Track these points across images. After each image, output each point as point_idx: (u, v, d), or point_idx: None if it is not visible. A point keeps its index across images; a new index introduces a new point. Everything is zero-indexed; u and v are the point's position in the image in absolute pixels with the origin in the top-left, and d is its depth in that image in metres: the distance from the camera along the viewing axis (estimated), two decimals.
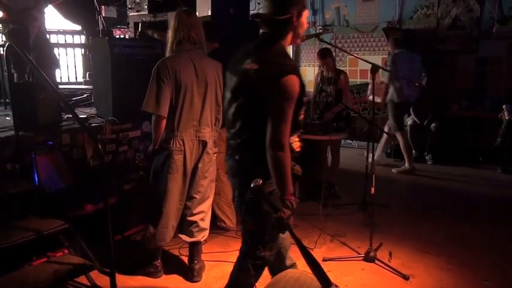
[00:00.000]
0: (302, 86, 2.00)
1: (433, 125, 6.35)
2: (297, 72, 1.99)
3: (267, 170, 1.99)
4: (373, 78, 3.52)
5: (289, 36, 2.12)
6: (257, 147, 2.00)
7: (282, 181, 1.98)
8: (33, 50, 4.38)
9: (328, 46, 4.90)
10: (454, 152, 6.34)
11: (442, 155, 6.36)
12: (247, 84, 2.04)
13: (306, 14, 2.12)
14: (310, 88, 8.11)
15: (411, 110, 6.63)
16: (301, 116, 2.11)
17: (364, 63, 3.81)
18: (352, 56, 7.09)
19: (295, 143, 2.14)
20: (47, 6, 4.73)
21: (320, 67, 5.06)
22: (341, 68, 5.67)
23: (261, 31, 2.21)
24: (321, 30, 8.08)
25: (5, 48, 4.35)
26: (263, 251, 2.22)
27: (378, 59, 7.35)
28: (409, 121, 6.69)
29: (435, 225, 4.10)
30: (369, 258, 3.34)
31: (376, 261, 3.32)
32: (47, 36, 4.93)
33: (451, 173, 5.96)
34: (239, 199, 2.21)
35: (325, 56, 4.84)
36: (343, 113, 4.90)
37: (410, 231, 3.96)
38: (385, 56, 7.27)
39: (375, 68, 3.46)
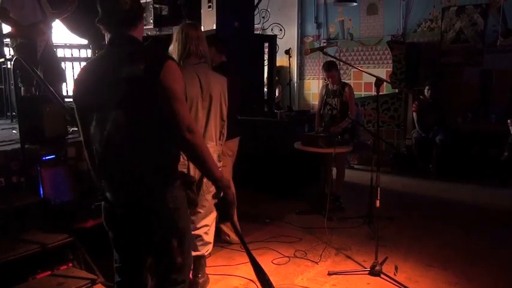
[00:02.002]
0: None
1: (438, 137, 6.33)
2: (172, 59, 1.86)
3: (164, 177, 1.85)
4: (378, 91, 3.52)
5: (141, 30, 1.96)
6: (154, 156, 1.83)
7: (208, 166, 1.82)
8: (40, 64, 4.43)
9: (333, 59, 4.92)
10: (460, 165, 6.30)
11: (447, 168, 6.33)
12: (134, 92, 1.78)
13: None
14: (314, 101, 8.21)
15: (416, 123, 6.65)
16: None
17: (369, 76, 3.83)
18: (356, 69, 7.12)
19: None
20: (55, 20, 4.79)
21: (325, 80, 5.08)
22: (346, 81, 5.69)
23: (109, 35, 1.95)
24: (325, 44, 8.13)
25: (12, 62, 4.42)
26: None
27: (382, 72, 7.38)
28: (414, 134, 6.68)
29: (441, 239, 4.06)
30: (374, 272, 3.30)
31: (382, 275, 3.28)
32: (54, 50, 4.98)
33: (456, 186, 5.92)
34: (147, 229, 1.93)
35: (330, 68, 4.86)
36: (348, 126, 4.91)
37: (416, 244, 3.92)
38: (389, 69, 7.30)
39: (379, 82, 3.47)
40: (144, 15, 5.31)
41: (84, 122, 1.90)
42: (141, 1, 5.63)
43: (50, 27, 4.64)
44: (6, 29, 4.69)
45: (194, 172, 2.98)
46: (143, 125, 1.80)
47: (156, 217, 1.87)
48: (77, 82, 1.97)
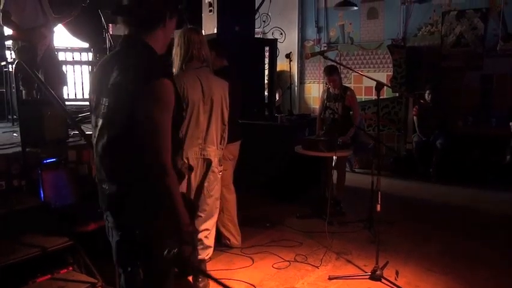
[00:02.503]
0: (178, 95, 1.68)
1: (438, 141, 6.33)
2: (170, 77, 1.64)
3: (142, 203, 1.64)
4: (378, 95, 3.52)
5: (160, 37, 1.73)
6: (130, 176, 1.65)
7: (173, 212, 1.59)
8: (41, 67, 4.44)
9: (333, 63, 4.92)
10: (460, 168, 6.30)
11: (448, 171, 6.33)
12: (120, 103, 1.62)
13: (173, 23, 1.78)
14: (315, 105, 8.22)
15: (416, 127, 6.65)
16: (182, 132, 1.86)
17: (369, 80, 3.82)
18: (356, 73, 7.12)
19: (182, 166, 1.79)
20: (57, 25, 4.80)
21: (326, 84, 5.08)
22: (346, 85, 5.69)
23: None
24: (325, 48, 8.14)
25: (14, 66, 4.42)
26: None
27: (382, 76, 7.39)
28: (414, 138, 6.68)
29: (442, 244, 4.05)
30: (375, 276, 3.29)
31: (383, 280, 3.27)
32: (56, 53, 4.99)
33: (457, 191, 5.91)
34: (118, 247, 1.76)
35: (331, 73, 4.86)
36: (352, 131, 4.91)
37: (417, 249, 3.91)
38: (390, 73, 7.30)
39: (379, 85, 3.47)
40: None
41: (91, 121, 1.80)
42: None
43: (52, 31, 4.65)
44: (7, 32, 4.70)
45: (195, 177, 2.99)
46: (121, 142, 1.62)
47: (129, 242, 1.70)
48: (90, 78, 1.92)
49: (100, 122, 1.68)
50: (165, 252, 1.56)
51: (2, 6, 4.26)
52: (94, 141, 1.74)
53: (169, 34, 1.79)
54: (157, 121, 1.56)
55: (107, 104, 1.65)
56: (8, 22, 4.33)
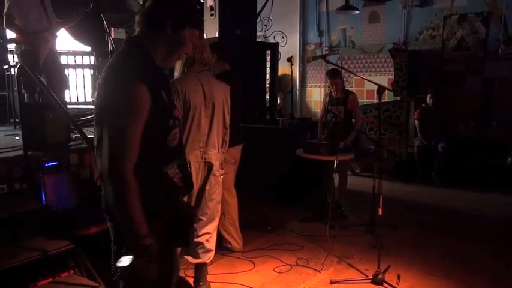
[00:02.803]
0: (158, 99, 1.56)
1: (440, 145, 6.32)
2: (144, 80, 1.52)
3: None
4: (380, 99, 3.52)
5: (162, 45, 1.66)
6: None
7: (126, 222, 1.50)
8: (43, 71, 4.46)
9: (335, 67, 4.93)
10: (462, 172, 6.29)
11: (450, 175, 6.31)
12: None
13: (193, 34, 1.72)
14: (316, 108, 8.22)
15: (418, 130, 6.64)
16: (174, 141, 1.68)
17: (370, 84, 3.83)
18: (358, 77, 7.13)
19: (176, 176, 1.68)
20: (59, 29, 4.83)
21: (329, 87, 5.08)
22: (348, 89, 5.68)
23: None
24: (327, 52, 8.15)
25: (16, 69, 4.44)
26: None
27: (383, 80, 7.39)
28: (416, 141, 6.67)
29: (444, 248, 4.04)
30: (376, 280, 3.28)
31: (384, 284, 3.26)
32: (58, 57, 5.01)
33: (459, 194, 5.90)
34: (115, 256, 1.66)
35: (334, 76, 4.86)
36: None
37: (418, 253, 3.90)
38: (391, 77, 7.30)
39: (381, 89, 3.47)
40: None
41: None
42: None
43: (55, 36, 4.67)
44: (10, 35, 4.72)
45: (196, 180, 2.98)
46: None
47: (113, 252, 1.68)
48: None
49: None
50: (117, 264, 1.48)
51: (6, 10, 4.29)
52: None
53: (176, 45, 1.69)
54: (117, 126, 1.49)
55: (96, 103, 1.61)
56: (11, 25, 4.35)
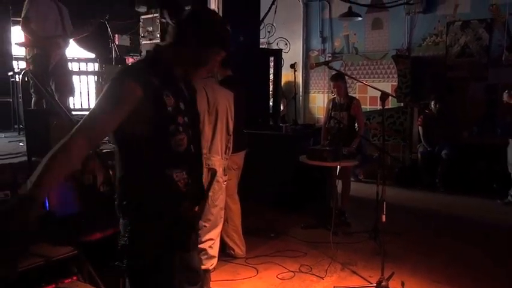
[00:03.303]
0: (156, 104, 1.60)
1: (443, 152, 6.31)
2: (139, 80, 1.57)
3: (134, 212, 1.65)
4: (383, 105, 3.52)
5: (185, 62, 1.71)
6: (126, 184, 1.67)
7: (39, 171, 1.42)
8: (52, 76, 4.53)
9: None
10: (466, 179, 6.26)
11: (454, 182, 6.29)
12: None
13: (219, 54, 1.75)
14: (319, 114, 8.22)
15: (422, 137, 6.63)
16: (181, 147, 1.68)
17: (374, 90, 3.83)
18: (361, 83, 7.13)
19: (181, 180, 1.68)
20: (73, 37, 4.96)
21: (332, 92, 5.08)
22: (352, 95, 5.68)
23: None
24: (330, 58, 8.17)
25: (21, 75, 4.48)
26: None
27: (387, 86, 7.38)
28: (419, 148, 6.66)
29: (448, 255, 4.02)
30: (380, 287, 3.27)
31: None
32: (68, 64, 5.10)
33: (462, 200, 5.87)
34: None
35: (337, 78, 4.85)
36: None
37: (422, 260, 3.88)
38: (394, 83, 7.30)
39: (384, 96, 3.47)
40: (151, 29, 5.39)
41: None
42: (148, 16, 5.68)
43: (67, 43, 4.78)
44: (20, 39, 4.81)
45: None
46: (115, 144, 1.68)
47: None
48: None
49: None
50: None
51: (24, 13, 4.40)
52: None
53: (199, 62, 1.74)
54: (97, 107, 1.57)
55: None
56: (27, 28, 4.45)
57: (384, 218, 3.36)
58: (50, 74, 4.52)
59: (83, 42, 6.61)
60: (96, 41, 6.27)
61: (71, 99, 5.40)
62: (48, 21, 4.50)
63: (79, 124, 1.52)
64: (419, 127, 6.71)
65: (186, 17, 1.69)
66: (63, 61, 4.77)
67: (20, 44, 4.92)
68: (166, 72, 1.68)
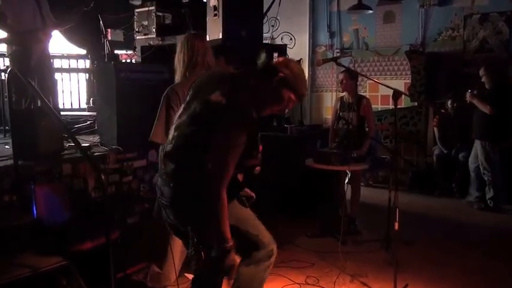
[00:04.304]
0: (251, 138, 2.08)
1: (461, 154, 6.29)
2: (250, 127, 2.04)
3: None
4: (396, 105, 3.52)
5: (260, 95, 2.17)
6: (195, 183, 2.06)
7: (218, 229, 2.03)
8: (34, 74, 4.50)
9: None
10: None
11: None
12: (206, 117, 2.09)
13: (292, 99, 2.20)
14: (327, 115, 8.22)
15: (437, 138, 6.61)
16: (254, 163, 2.37)
17: (385, 89, 3.83)
18: (372, 81, 7.13)
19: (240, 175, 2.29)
20: (55, 30, 4.88)
21: (340, 91, 5.08)
22: (361, 94, 5.69)
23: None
24: (338, 54, 8.17)
25: (6, 74, 4.48)
26: None
27: (400, 84, 7.38)
28: (435, 150, 6.65)
29: (466, 265, 4.01)
30: None
31: None
32: (51, 61, 5.06)
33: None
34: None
35: (344, 70, 4.87)
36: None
37: (438, 271, 3.88)
38: (408, 81, 7.30)
39: (397, 94, 3.47)
40: (146, 23, 5.40)
41: None
42: (143, 9, 5.67)
43: (49, 36, 4.72)
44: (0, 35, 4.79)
45: None
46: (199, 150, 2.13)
47: None
48: None
49: (187, 120, 2.21)
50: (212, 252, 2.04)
51: None
52: None
53: (272, 98, 2.22)
54: (226, 158, 2.02)
55: (196, 111, 2.20)
56: (3, 25, 4.41)
57: (396, 225, 3.35)
58: (32, 71, 4.48)
59: (73, 38, 6.62)
60: (87, 36, 6.29)
61: (60, 98, 5.41)
62: (25, 14, 4.44)
63: (215, 171, 1.98)
64: (435, 128, 6.70)
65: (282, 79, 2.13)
66: (45, 56, 4.72)
67: (1, 41, 4.91)
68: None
